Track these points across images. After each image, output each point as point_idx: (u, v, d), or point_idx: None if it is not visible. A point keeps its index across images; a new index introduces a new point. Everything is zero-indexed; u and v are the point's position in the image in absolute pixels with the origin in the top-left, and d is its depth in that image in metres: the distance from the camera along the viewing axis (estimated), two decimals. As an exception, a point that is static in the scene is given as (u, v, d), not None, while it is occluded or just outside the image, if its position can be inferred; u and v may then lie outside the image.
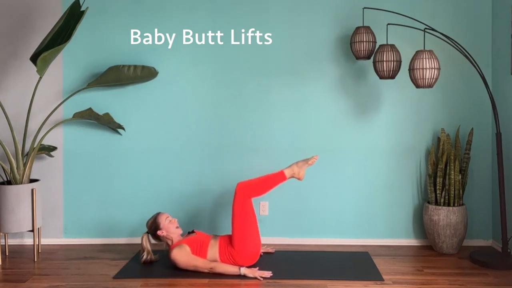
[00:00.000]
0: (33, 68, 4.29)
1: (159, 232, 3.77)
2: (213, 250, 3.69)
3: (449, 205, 4.14)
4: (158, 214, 3.86)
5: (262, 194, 3.80)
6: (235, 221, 3.69)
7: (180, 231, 3.82)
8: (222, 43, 4.39)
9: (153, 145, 4.42)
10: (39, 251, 4.18)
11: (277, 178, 3.81)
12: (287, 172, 3.82)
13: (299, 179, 3.87)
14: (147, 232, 3.86)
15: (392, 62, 4.01)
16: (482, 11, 4.35)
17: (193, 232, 3.85)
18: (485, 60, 4.34)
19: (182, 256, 3.62)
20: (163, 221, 3.79)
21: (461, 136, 4.37)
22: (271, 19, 4.37)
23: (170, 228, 3.78)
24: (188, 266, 3.62)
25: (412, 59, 3.84)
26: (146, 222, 3.91)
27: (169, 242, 3.79)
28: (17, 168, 3.98)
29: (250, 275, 3.55)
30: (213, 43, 4.39)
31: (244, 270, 3.56)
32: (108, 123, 4.31)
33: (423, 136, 4.39)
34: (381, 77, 4.09)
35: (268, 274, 3.57)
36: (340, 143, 4.40)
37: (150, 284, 3.47)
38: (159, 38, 4.38)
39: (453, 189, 4.12)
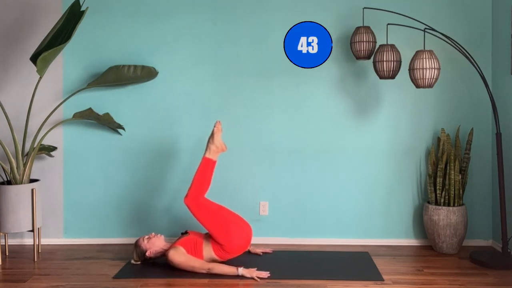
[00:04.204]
0: (33, 68, 4.29)
1: (147, 254, 3.77)
2: (208, 248, 3.71)
3: (449, 205, 4.13)
4: (135, 243, 3.87)
5: (207, 188, 3.81)
6: (207, 227, 3.71)
7: (161, 237, 3.83)
8: (222, 43, 4.39)
9: (153, 145, 4.42)
10: (39, 251, 4.18)
11: (208, 166, 3.81)
12: (210, 155, 3.82)
13: (223, 150, 3.86)
14: (141, 262, 3.85)
15: (392, 62, 4.01)
16: (482, 11, 4.35)
17: (186, 232, 3.85)
18: (485, 60, 4.34)
19: (180, 257, 3.62)
20: (143, 243, 3.80)
21: (461, 136, 4.37)
22: (271, 19, 4.37)
23: (153, 243, 3.78)
24: (186, 266, 3.62)
25: (412, 59, 3.84)
26: (131, 259, 3.91)
27: (163, 251, 3.79)
28: (17, 168, 3.98)
29: (248, 275, 3.55)
30: (213, 43, 4.39)
31: (241, 271, 3.56)
32: (108, 123, 4.31)
33: (423, 136, 4.39)
34: (381, 77, 4.09)
35: (265, 274, 3.57)
36: (340, 143, 4.40)
37: (150, 284, 3.47)
38: (159, 38, 4.38)
39: (453, 189, 4.12)
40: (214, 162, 3.84)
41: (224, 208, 3.84)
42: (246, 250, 3.84)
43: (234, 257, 3.76)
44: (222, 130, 3.94)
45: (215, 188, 4.39)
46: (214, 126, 3.86)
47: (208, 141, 3.86)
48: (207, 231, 3.85)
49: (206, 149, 3.84)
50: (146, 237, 3.83)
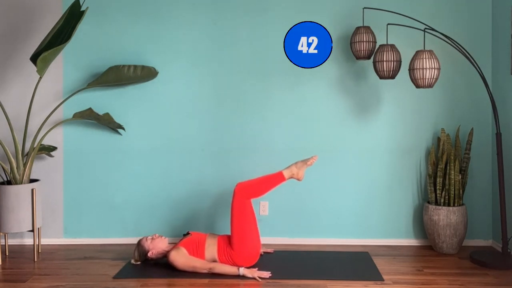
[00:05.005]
0: (33, 68, 4.29)
1: (149, 254, 3.76)
2: (211, 249, 3.69)
3: (449, 205, 4.14)
4: (137, 242, 3.86)
5: (261, 195, 3.78)
6: (234, 222, 3.68)
7: (165, 239, 3.81)
8: (222, 43, 4.39)
9: (153, 145, 4.42)
10: (39, 251, 4.18)
11: (276, 179, 3.79)
12: (286, 173, 3.81)
13: (298, 179, 3.86)
14: (141, 262, 3.85)
15: (392, 62, 4.01)
16: (482, 11, 4.35)
17: (188, 234, 3.84)
18: (485, 60, 4.34)
19: (180, 258, 3.62)
20: (146, 243, 3.79)
21: (461, 136, 4.37)
22: (271, 19, 4.38)
23: (156, 244, 3.77)
24: (187, 267, 3.62)
25: (412, 59, 3.84)
26: (132, 257, 3.90)
27: (164, 253, 3.78)
28: (17, 168, 3.98)
29: (249, 275, 3.55)
30: (213, 43, 4.39)
31: (243, 271, 3.56)
32: (108, 123, 4.31)
33: (423, 136, 4.39)
34: (381, 77, 4.09)
35: (267, 274, 3.57)
36: (340, 143, 4.40)
37: (150, 284, 3.47)
38: (159, 38, 4.38)
39: (453, 189, 4.12)
40: (283, 180, 3.80)
41: (255, 222, 3.77)
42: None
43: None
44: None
45: (216, 188, 4.40)
46: (311, 158, 3.84)
47: (295, 163, 3.84)
48: (210, 233, 3.84)
49: (288, 167, 3.82)
50: (150, 237, 3.82)
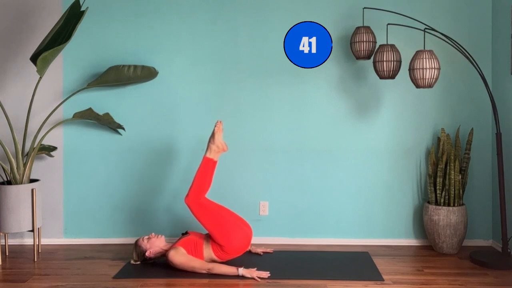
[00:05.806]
0: (33, 68, 4.29)
1: (147, 254, 3.76)
2: (208, 249, 3.71)
3: (449, 205, 4.14)
4: (135, 243, 3.86)
5: (208, 187, 3.82)
6: (208, 227, 3.71)
7: (161, 238, 3.82)
8: (222, 42, 4.39)
9: (153, 145, 4.42)
10: (39, 251, 4.18)
11: (208, 165, 3.81)
12: (211, 155, 3.82)
13: (224, 150, 3.85)
14: (141, 262, 3.85)
15: (392, 62, 4.01)
16: (482, 11, 4.35)
17: (186, 233, 3.85)
18: (485, 60, 4.34)
19: (179, 257, 3.62)
20: (143, 243, 3.79)
21: (461, 136, 4.37)
22: (271, 19, 4.38)
23: (153, 243, 3.78)
24: (186, 267, 3.62)
25: (412, 59, 3.84)
26: (131, 259, 3.90)
27: (163, 252, 3.78)
28: (17, 168, 3.98)
29: (248, 275, 3.55)
30: (213, 42, 4.39)
31: (242, 271, 3.56)
32: (108, 123, 4.31)
33: (423, 136, 4.39)
34: (381, 77, 4.09)
35: (266, 274, 3.57)
36: (340, 143, 4.40)
37: (150, 284, 3.47)
38: (159, 38, 4.38)
39: (453, 189, 4.12)
40: (214, 162, 3.83)
41: (224, 209, 3.84)
42: (246, 251, 3.83)
43: (234, 258, 3.76)
44: (223, 130, 3.92)
45: (216, 188, 4.39)
46: (215, 126, 3.86)
47: (209, 141, 3.85)
48: (207, 233, 3.85)
49: (207, 149, 3.84)
50: (146, 237, 3.83)
